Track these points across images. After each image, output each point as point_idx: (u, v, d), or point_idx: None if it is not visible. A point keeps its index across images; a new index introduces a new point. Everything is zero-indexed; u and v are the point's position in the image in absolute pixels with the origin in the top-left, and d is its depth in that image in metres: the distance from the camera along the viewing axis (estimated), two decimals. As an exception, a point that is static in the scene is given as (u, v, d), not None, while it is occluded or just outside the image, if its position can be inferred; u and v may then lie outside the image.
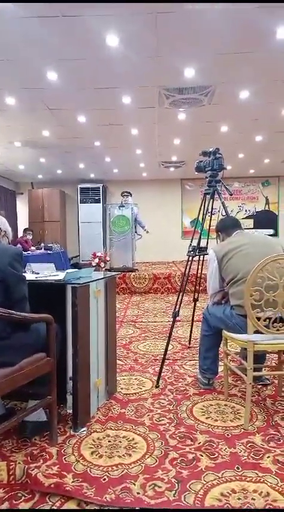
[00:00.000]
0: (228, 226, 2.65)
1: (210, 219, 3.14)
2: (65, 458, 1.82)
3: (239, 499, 1.52)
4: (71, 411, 2.14)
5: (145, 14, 3.23)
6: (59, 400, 2.04)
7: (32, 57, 3.93)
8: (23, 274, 1.93)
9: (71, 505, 1.51)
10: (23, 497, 1.56)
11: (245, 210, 11.44)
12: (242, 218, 11.20)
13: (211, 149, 2.94)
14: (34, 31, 3.44)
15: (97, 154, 8.27)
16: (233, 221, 2.71)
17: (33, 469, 1.67)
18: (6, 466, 1.70)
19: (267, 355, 3.04)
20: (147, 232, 8.18)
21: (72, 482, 1.63)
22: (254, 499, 1.52)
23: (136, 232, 8.03)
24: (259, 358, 2.64)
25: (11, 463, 1.72)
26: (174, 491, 1.57)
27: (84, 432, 2.06)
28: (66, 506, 1.50)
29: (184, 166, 9.47)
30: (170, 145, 7.62)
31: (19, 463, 1.73)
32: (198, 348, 2.76)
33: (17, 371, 1.73)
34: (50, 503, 1.52)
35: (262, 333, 2.11)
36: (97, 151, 8.04)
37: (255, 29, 3.46)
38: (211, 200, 2.97)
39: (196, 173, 3.05)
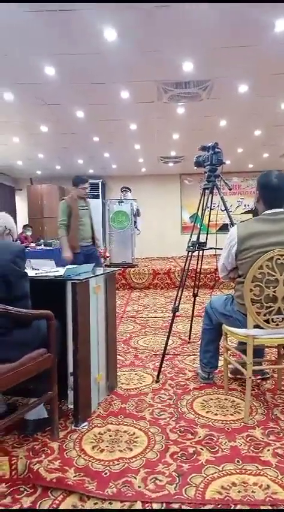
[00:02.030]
0: (276, 197, 2.17)
1: (209, 214, 3.14)
2: (66, 453, 1.83)
3: (239, 491, 1.53)
4: (72, 406, 2.15)
5: (142, 8, 3.21)
6: (60, 396, 2.05)
7: (29, 52, 3.91)
8: (25, 271, 1.93)
9: (72, 499, 1.52)
10: (25, 492, 1.57)
11: (244, 205, 11.43)
12: (242, 213, 11.20)
13: (210, 144, 2.93)
14: (30, 25, 3.41)
15: (96, 149, 8.25)
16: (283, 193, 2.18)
17: (35, 464, 1.68)
18: (9, 461, 1.71)
19: (267, 349, 3.05)
20: (139, 233, 8.21)
21: (74, 476, 1.65)
22: (254, 492, 1.53)
23: (136, 227, 8.03)
24: (257, 352, 2.65)
25: (13, 458, 1.73)
26: (175, 485, 1.59)
27: (85, 427, 2.07)
28: (67, 500, 1.51)
29: (183, 161, 9.45)
30: (169, 140, 7.60)
31: (21, 458, 1.74)
32: (199, 342, 2.76)
33: (17, 367, 1.73)
34: (52, 497, 1.53)
35: (261, 328, 2.12)
36: (96, 147, 8.02)
37: (253, 23, 3.44)
38: (211, 195, 2.96)
39: (195, 168, 3.04)
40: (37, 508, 1.48)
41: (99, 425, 2.09)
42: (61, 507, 1.48)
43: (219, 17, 3.34)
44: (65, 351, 2.19)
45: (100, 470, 1.69)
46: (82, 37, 3.64)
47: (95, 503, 1.49)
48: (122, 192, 8.12)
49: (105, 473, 1.67)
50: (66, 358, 2.19)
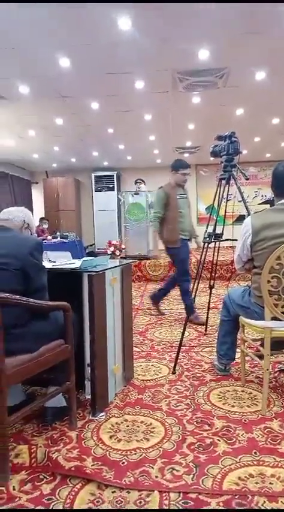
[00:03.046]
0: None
1: (226, 205, 3.11)
2: (84, 442, 1.86)
3: (257, 483, 1.53)
4: (89, 397, 2.19)
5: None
6: (77, 386, 2.08)
7: (43, 44, 3.91)
8: (43, 264, 1.95)
9: (91, 487, 1.55)
10: (45, 479, 1.61)
11: (262, 196, 11.25)
12: (259, 204, 11.03)
13: (226, 133, 2.88)
14: (43, 17, 3.40)
15: (111, 141, 8.23)
16: None
17: (53, 453, 1.71)
18: (28, 450, 1.75)
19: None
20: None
21: (92, 465, 1.67)
22: (272, 484, 1.52)
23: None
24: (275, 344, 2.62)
25: (33, 447, 1.77)
26: (192, 475, 1.59)
27: (103, 417, 2.10)
28: (86, 488, 1.54)
29: (199, 152, 9.33)
30: (184, 130, 7.52)
31: (40, 446, 1.78)
32: (215, 334, 2.75)
33: (36, 358, 1.77)
34: (71, 485, 1.56)
35: (280, 320, 2.09)
36: (111, 139, 8.00)
37: (270, 7, 3.35)
38: (227, 186, 2.92)
39: (211, 158, 3.00)
40: (56, 495, 1.51)
41: (116, 415, 2.12)
42: (79, 495, 1.51)
43: (235, 4, 3.25)
44: (82, 343, 2.21)
45: (117, 459, 1.72)
46: (96, 27, 3.61)
47: (113, 492, 1.52)
48: (136, 184, 8.10)
49: (122, 463, 1.69)
50: (83, 349, 2.22)
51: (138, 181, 8.12)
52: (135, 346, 3.15)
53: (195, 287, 2.90)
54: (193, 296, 2.87)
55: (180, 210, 3.90)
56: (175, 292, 5.97)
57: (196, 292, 2.85)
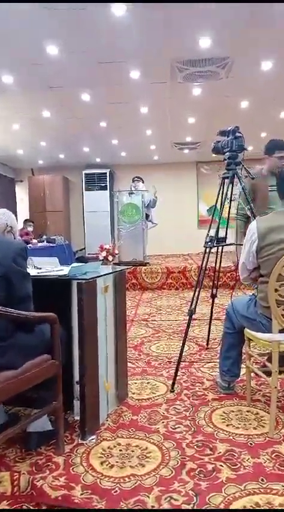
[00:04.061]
0: None
1: (229, 206, 3.11)
2: (72, 469, 1.85)
3: (264, 513, 1.53)
4: (78, 418, 2.17)
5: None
6: (65, 406, 2.07)
7: (29, 30, 3.92)
8: (27, 270, 1.95)
9: (80, 518, 1.54)
10: (29, 511, 1.59)
11: (269, 196, 11.32)
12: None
13: (229, 128, 2.91)
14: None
15: (104, 136, 8.26)
16: None
17: (38, 480, 1.70)
18: (10, 477, 1.74)
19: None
20: (154, 225, 8.19)
21: (81, 494, 1.66)
22: (280, 514, 1.52)
23: (150, 220, 8.02)
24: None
25: (15, 474, 1.75)
26: (192, 505, 1.59)
27: (93, 440, 2.09)
28: (75, 520, 1.53)
29: (200, 148, 9.39)
30: (184, 124, 7.56)
31: (23, 473, 1.77)
32: (218, 348, 2.75)
33: (20, 374, 1.76)
34: (58, 516, 1.55)
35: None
36: (103, 133, 8.03)
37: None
38: (231, 185, 2.94)
39: (213, 155, 3.02)
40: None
41: (108, 438, 2.11)
42: (67, 527, 1.50)
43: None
44: (71, 358, 2.21)
45: (109, 488, 1.71)
46: (87, 11, 3.64)
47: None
48: (134, 182, 8.11)
49: (115, 491, 1.68)
50: (71, 365, 2.21)
51: (136, 179, 8.14)
52: (130, 362, 3.15)
53: (196, 296, 2.91)
54: (193, 306, 2.86)
55: (270, 206, 3.15)
56: (174, 302, 6.00)
57: (197, 302, 2.85)
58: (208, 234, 2.98)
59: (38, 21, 3.78)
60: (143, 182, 8.22)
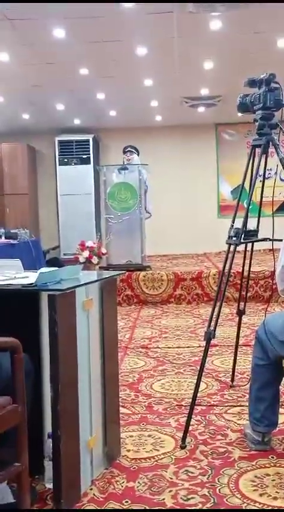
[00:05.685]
0: None
1: (262, 186, 3.12)
2: None
3: None
4: (50, 486, 2.17)
5: None
6: (32, 469, 2.06)
7: None
8: None
9: None
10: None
11: None
12: None
13: (262, 76, 2.91)
14: None
15: (85, 88, 8.26)
16: None
17: None
18: None
19: None
20: (149, 216, 8.19)
21: None
22: None
23: (145, 208, 8.02)
24: None
25: None
26: None
27: (72, 518, 2.09)
28: None
29: (221, 104, 9.41)
30: (198, 71, 7.57)
31: None
32: (247, 385, 2.76)
33: None
34: None
35: None
36: (85, 84, 8.03)
37: None
38: (264, 156, 2.95)
39: (239, 114, 3.03)
40: None
41: (93, 515, 2.11)
42: None
43: None
44: (40, 401, 2.20)
45: None
46: None
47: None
48: (125, 153, 8.13)
49: None
50: (41, 411, 2.21)
51: (128, 149, 8.16)
52: (123, 406, 3.15)
53: (216, 313, 2.91)
54: (212, 327, 2.87)
55: None
56: (185, 322, 6.00)
57: (217, 321, 2.86)
58: (232, 226, 2.99)
59: None
60: (138, 154, 8.23)
